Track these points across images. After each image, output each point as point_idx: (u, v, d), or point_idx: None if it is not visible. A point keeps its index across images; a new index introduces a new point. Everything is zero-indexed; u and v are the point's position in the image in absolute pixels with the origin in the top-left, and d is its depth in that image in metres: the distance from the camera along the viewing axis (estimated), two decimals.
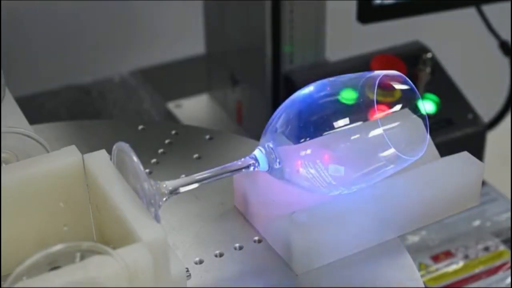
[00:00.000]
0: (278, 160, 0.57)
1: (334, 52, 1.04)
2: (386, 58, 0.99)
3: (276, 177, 0.58)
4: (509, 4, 1.06)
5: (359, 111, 0.55)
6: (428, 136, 0.57)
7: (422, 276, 0.89)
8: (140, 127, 0.72)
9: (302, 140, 0.56)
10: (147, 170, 0.66)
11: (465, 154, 0.62)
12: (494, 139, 1.13)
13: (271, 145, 0.57)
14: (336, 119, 0.55)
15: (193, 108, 1.12)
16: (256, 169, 0.58)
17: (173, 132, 0.71)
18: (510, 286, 0.89)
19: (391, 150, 0.55)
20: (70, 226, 0.56)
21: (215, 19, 1.05)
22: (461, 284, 0.89)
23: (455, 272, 0.91)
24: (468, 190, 0.62)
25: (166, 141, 0.70)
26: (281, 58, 0.97)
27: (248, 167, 0.57)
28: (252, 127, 1.03)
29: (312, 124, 0.56)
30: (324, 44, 1.00)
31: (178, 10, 1.29)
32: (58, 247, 0.46)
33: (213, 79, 1.11)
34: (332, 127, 0.55)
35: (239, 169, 0.57)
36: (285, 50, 0.97)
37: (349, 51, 1.03)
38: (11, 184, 0.53)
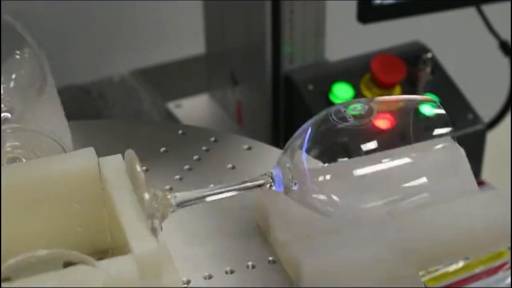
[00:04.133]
0: (294, 181, 0.53)
1: (334, 52, 1.04)
2: (386, 58, 0.99)
3: (293, 199, 0.54)
4: (509, 4, 1.05)
5: (391, 137, 0.51)
6: (469, 167, 0.54)
7: (422, 276, 0.89)
8: (180, 131, 0.69)
9: (325, 163, 0.51)
10: (178, 177, 0.64)
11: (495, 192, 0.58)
12: (494, 139, 1.13)
13: (289, 165, 0.53)
14: (366, 144, 0.51)
15: (193, 108, 1.11)
16: (271, 188, 0.54)
17: (212, 139, 0.68)
18: (510, 286, 0.89)
19: (423, 179, 0.52)
20: (84, 227, 0.55)
21: (215, 19, 1.05)
22: (461, 284, 0.89)
23: (455, 272, 0.90)
24: (496, 230, 0.56)
25: (203, 148, 0.67)
26: (281, 58, 0.97)
27: (260, 186, 0.54)
28: (252, 127, 1.03)
29: (339, 147, 0.51)
30: (324, 44, 1.00)
31: (178, 10, 1.29)
32: (42, 252, 0.45)
33: (213, 79, 1.11)
34: (360, 152, 0.51)
35: (251, 188, 0.54)
36: (285, 50, 0.97)
37: (349, 51, 1.03)
38: (26, 182, 0.52)
